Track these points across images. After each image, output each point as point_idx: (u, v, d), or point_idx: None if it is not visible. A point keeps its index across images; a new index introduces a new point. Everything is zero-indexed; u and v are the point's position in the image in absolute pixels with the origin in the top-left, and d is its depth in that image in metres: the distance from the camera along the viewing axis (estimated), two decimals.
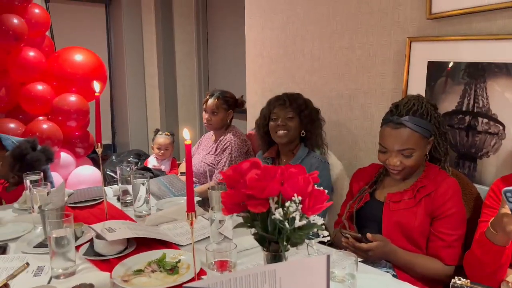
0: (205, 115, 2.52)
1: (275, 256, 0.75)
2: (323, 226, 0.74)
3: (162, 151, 3.15)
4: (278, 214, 0.69)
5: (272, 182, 0.68)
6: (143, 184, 1.76)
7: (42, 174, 1.81)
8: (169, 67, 4.18)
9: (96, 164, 3.46)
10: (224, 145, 2.41)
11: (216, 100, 2.47)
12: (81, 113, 3.13)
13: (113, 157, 3.85)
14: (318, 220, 0.73)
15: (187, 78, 4.29)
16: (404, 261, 1.40)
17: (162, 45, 4.09)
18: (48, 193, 1.60)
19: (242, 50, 3.24)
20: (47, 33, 3.30)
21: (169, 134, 3.20)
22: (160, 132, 3.18)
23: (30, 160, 1.95)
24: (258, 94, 2.93)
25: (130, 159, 3.70)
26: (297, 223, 0.68)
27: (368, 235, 1.36)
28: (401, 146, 1.43)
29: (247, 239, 1.36)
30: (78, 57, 3.24)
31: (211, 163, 2.47)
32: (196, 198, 1.95)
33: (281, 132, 1.95)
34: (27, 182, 1.78)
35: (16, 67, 2.95)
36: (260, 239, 0.76)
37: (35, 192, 1.60)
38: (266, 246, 0.75)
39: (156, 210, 1.82)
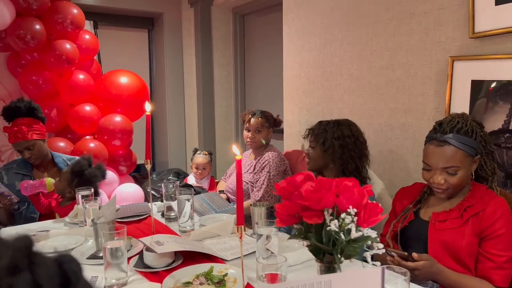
0: (247, 134, 2.55)
1: (329, 268, 0.76)
2: (378, 239, 0.74)
3: (200, 171, 3.20)
4: (333, 225, 0.71)
5: (327, 194, 0.70)
6: (188, 200, 1.81)
7: (92, 190, 1.91)
8: (207, 89, 4.29)
9: (137, 182, 3.57)
10: (263, 163, 2.44)
11: (259, 118, 2.52)
12: (125, 132, 3.26)
13: (153, 176, 3.97)
14: (371, 233, 0.74)
15: (224, 99, 4.39)
16: (452, 282, 1.37)
17: (201, 68, 4.23)
18: (99, 207, 1.68)
19: (278, 72, 3.30)
20: (95, 57, 3.48)
21: (207, 153, 3.26)
22: (198, 152, 3.25)
23: (88, 176, 2.05)
24: (295, 114, 2.97)
25: (170, 177, 3.80)
26: (353, 234, 0.70)
27: (414, 254, 1.34)
28: (445, 164, 1.41)
29: (291, 255, 1.38)
30: (123, 79, 3.39)
31: (249, 181, 2.50)
32: (236, 216, 1.98)
33: (306, 160, 2.00)
34: (79, 197, 1.87)
35: (67, 89, 3.12)
36: (314, 250, 0.78)
37: (87, 206, 1.68)
38: (320, 257, 0.77)
39: (199, 225, 1.86)
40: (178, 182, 2.32)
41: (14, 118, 2.25)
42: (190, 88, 4.47)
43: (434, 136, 1.45)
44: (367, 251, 0.75)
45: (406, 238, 1.55)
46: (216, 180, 3.31)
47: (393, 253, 1.36)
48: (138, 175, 4.12)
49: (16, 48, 2.91)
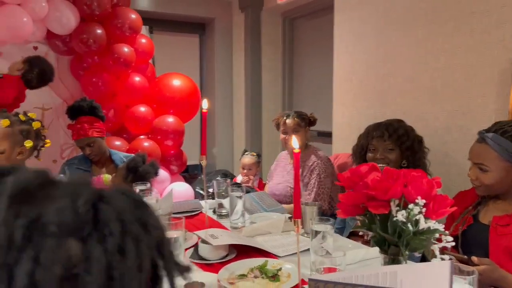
0: (284, 136, 2.53)
1: (394, 260, 0.75)
2: (447, 232, 0.73)
3: (245, 170, 3.25)
4: (400, 216, 0.70)
5: (395, 184, 0.70)
6: (239, 198, 1.84)
7: (149, 185, 1.98)
8: (255, 92, 4.34)
9: (187, 181, 3.66)
10: (311, 166, 2.41)
11: (294, 118, 2.49)
12: (177, 133, 3.36)
13: (202, 176, 4.06)
14: (438, 226, 0.73)
15: (272, 102, 4.42)
16: None
17: (249, 71, 4.29)
18: (156, 201, 1.75)
19: (327, 75, 3.29)
20: (150, 60, 3.62)
21: (254, 154, 3.30)
22: (246, 153, 3.30)
23: (142, 172, 2.14)
24: (345, 117, 2.93)
25: (218, 178, 3.86)
26: (422, 224, 0.68)
27: (474, 258, 1.29)
28: (476, 159, 1.43)
29: (346, 254, 1.36)
30: (176, 82, 3.51)
31: (290, 183, 2.49)
32: (287, 215, 1.99)
33: (379, 165, 1.92)
34: (137, 191, 1.95)
35: (124, 91, 3.26)
36: (379, 242, 0.77)
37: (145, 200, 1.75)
38: (384, 249, 0.76)
39: (250, 223, 1.88)
40: (229, 180, 2.36)
41: (77, 116, 2.40)
42: (238, 91, 4.55)
43: (479, 132, 1.47)
44: (435, 243, 0.73)
45: (466, 243, 1.50)
46: (264, 182, 3.34)
47: (452, 257, 1.31)
48: (188, 174, 4.22)
49: (79, 52, 3.09)
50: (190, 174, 4.40)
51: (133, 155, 2.49)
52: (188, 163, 3.81)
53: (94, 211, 0.34)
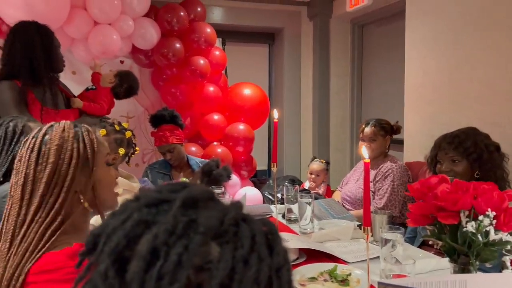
0: (362, 144, 2.57)
1: (464, 269, 0.77)
2: None
3: (313, 176, 3.29)
4: (470, 227, 0.72)
5: (464, 196, 0.72)
6: (309, 204, 1.90)
7: (223, 188, 2.11)
8: (323, 99, 4.37)
9: (256, 186, 3.78)
10: (386, 172, 2.41)
11: (373, 127, 2.50)
12: (247, 140, 3.50)
13: (270, 182, 4.16)
14: (510, 238, 0.74)
15: (340, 109, 4.42)
16: None
17: (318, 79, 4.32)
18: None
19: (397, 81, 3.23)
20: (223, 71, 3.81)
21: (323, 161, 3.32)
22: (315, 159, 3.34)
23: (216, 176, 2.28)
24: (418, 124, 2.87)
25: (286, 184, 3.94)
26: (492, 236, 0.70)
27: None
28: None
29: (416, 264, 1.37)
30: (247, 91, 3.66)
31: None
32: (356, 222, 2.01)
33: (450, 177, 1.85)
34: None
35: (199, 100, 3.47)
36: (448, 251, 0.79)
37: None
38: (454, 258, 0.78)
39: (319, 229, 1.93)
40: (298, 186, 2.42)
41: (159, 124, 2.61)
42: (306, 99, 4.60)
43: None
44: (506, 255, 0.74)
45: None
46: (332, 190, 3.35)
47: None
48: (257, 179, 4.35)
49: (159, 64, 3.35)
50: (259, 179, 4.52)
51: (207, 160, 2.66)
52: (257, 168, 3.94)
53: (235, 227, 0.44)
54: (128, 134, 1.91)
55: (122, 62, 3.47)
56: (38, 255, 0.89)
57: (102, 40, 2.91)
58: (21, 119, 1.52)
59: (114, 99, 2.83)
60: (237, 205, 0.48)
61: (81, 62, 3.16)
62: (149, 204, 0.46)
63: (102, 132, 1.77)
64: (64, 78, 2.59)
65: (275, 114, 1.79)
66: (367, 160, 1.11)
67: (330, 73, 4.29)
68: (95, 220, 1.56)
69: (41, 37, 2.22)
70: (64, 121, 1.05)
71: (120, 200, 1.69)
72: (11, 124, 1.48)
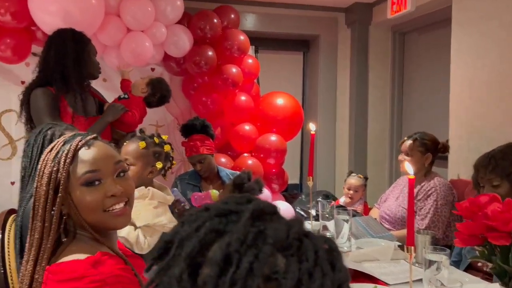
0: (400, 158, 2.57)
1: None
2: None
3: (351, 192, 3.28)
4: None
5: None
6: (346, 222, 1.91)
7: None
8: (361, 111, 4.36)
9: (287, 201, 3.80)
10: (429, 191, 2.38)
11: (412, 142, 2.49)
12: (279, 151, 3.54)
13: (303, 197, 4.17)
14: None
15: (378, 122, 4.40)
16: None
17: (355, 89, 4.33)
18: None
19: (441, 93, 3.20)
20: (255, 79, 3.88)
21: (362, 176, 3.31)
22: (353, 174, 3.33)
23: (247, 189, 2.31)
24: (463, 139, 2.83)
25: (319, 199, 3.94)
26: None
27: None
28: None
29: None
30: (280, 101, 3.70)
31: (406, 207, 2.47)
32: (395, 242, 2.00)
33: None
34: None
35: (231, 110, 3.55)
36: (499, 273, 0.80)
37: None
38: (505, 281, 0.79)
39: (356, 248, 1.94)
40: (333, 202, 2.44)
41: (190, 134, 2.69)
42: (342, 109, 4.60)
43: None
44: None
45: None
46: (369, 207, 3.33)
47: None
48: (288, 194, 4.37)
49: (191, 72, 3.45)
50: (290, 193, 4.54)
51: (239, 172, 2.71)
52: (288, 182, 3.96)
53: (299, 241, 0.50)
54: (167, 147, 1.97)
55: (153, 69, 3.59)
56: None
57: (135, 48, 3.03)
58: (59, 127, 1.58)
59: (146, 108, 2.91)
60: (299, 221, 0.53)
61: (113, 70, 3.30)
62: (219, 214, 0.52)
63: (142, 144, 1.84)
64: (95, 85, 2.71)
65: (312, 127, 1.83)
66: (412, 176, 1.12)
67: (369, 83, 4.29)
68: (126, 233, 1.63)
69: (75, 44, 2.34)
70: (64, 136, 1.08)
71: (155, 212, 1.77)
72: (49, 132, 1.54)
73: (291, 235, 0.49)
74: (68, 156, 1.01)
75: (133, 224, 1.69)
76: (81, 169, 1.01)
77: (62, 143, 1.05)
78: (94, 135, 1.12)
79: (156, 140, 1.93)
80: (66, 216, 1.01)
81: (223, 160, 3.46)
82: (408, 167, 1.07)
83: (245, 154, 3.57)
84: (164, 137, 2.05)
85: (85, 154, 1.03)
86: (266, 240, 0.48)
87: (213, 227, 0.50)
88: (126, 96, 2.74)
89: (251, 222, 0.50)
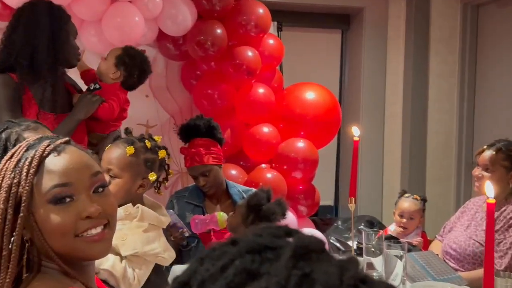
0: (475, 171, 2.53)
1: None
2: None
3: (405, 220, 3.23)
4: None
5: None
6: (400, 259, 1.89)
7: None
8: (419, 109, 4.32)
9: (318, 228, 3.78)
10: (509, 219, 2.35)
11: (495, 153, 2.46)
12: (309, 162, 3.51)
13: (339, 223, 4.15)
14: None
15: (443, 123, 4.35)
16: None
17: (411, 80, 4.30)
18: None
19: None
20: (277, 66, 3.87)
21: (418, 198, 3.27)
22: (406, 195, 3.29)
23: (267, 212, 2.31)
24: None
25: (361, 227, 3.92)
26: None
27: None
28: None
29: None
30: (310, 95, 3.68)
31: (482, 241, 2.44)
32: (466, 287, 1.97)
33: None
34: None
35: (244, 106, 3.54)
36: None
37: None
38: None
39: None
40: (381, 231, 2.41)
41: (191, 137, 2.69)
42: (393, 106, 4.57)
43: None
44: None
45: None
46: (428, 239, 3.29)
47: None
48: (319, 219, 4.35)
49: (193, 56, 3.46)
50: (322, 218, 4.52)
51: (254, 189, 2.70)
52: (320, 203, 3.93)
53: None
54: (161, 153, 1.96)
55: (143, 51, 3.61)
56: None
57: (120, 23, 3.06)
58: (18, 127, 1.60)
59: (127, 94, 2.80)
60: (354, 261, 0.52)
61: (91, 52, 3.33)
62: (252, 250, 0.52)
63: (129, 150, 1.83)
64: (69, 72, 2.72)
65: (356, 131, 1.82)
66: (492, 201, 1.11)
67: (430, 71, 4.25)
68: (111, 265, 1.64)
69: (51, 20, 2.37)
70: (27, 140, 1.10)
71: (145, 237, 1.77)
72: (3, 135, 1.56)
73: (345, 281, 0.49)
74: (32, 165, 1.01)
75: (118, 253, 1.69)
76: (48, 182, 1.02)
77: (25, 148, 1.05)
78: (66, 138, 1.12)
79: (148, 144, 1.92)
80: (28, 242, 1.02)
81: (233, 172, 3.45)
82: (489, 187, 1.05)
83: (263, 165, 3.56)
84: (157, 138, 2.04)
85: (54, 162, 1.04)
86: (313, 287, 0.48)
87: (245, 266, 0.50)
88: (97, 86, 2.64)
89: (294, 262, 0.50)
